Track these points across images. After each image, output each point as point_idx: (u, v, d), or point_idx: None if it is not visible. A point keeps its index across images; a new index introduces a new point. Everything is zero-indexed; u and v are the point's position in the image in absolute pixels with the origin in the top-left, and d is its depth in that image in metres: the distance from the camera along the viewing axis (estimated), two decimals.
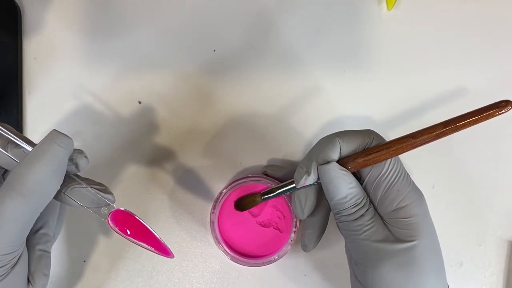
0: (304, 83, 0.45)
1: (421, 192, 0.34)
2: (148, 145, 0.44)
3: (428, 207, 0.34)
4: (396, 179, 0.33)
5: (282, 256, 0.39)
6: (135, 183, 0.44)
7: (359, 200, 0.33)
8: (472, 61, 0.45)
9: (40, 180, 0.28)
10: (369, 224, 0.33)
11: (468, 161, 0.45)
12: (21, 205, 0.28)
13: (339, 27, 0.45)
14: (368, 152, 0.33)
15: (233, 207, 0.40)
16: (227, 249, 0.39)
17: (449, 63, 0.45)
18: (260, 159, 0.44)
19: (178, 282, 0.43)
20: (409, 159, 0.41)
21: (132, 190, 0.44)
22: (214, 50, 0.45)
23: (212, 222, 0.39)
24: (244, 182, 0.40)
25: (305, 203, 0.36)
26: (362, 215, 0.33)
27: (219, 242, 0.39)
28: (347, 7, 0.46)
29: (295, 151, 0.44)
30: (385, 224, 0.33)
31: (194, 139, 0.44)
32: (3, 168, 0.32)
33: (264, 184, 0.40)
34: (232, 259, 0.39)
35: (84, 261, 0.43)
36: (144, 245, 0.32)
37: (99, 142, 0.44)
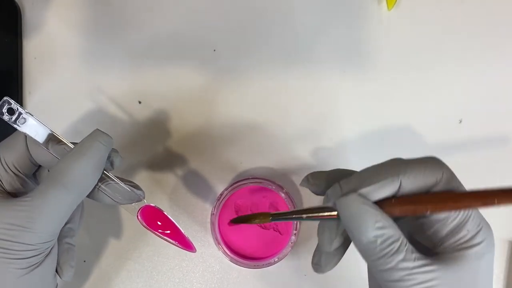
0: (304, 83, 0.45)
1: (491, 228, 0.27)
2: (148, 145, 0.44)
3: None
4: (467, 219, 0.25)
5: (282, 258, 0.39)
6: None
7: (394, 243, 0.25)
8: (471, 60, 0.45)
9: (83, 174, 0.30)
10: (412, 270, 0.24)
11: (468, 161, 0.45)
12: (63, 196, 0.29)
13: (339, 27, 0.45)
14: (431, 198, 0.25)
15: (233, 207, 0.40)
16: (227, 251, 0.39)
17: (448, 62, 0.45)
18: (260, 160, 0.44)
19: (178, 282, 0.43)
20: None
21: None
22: (214, 50, 0.45)
23: (212, 224, 0.39)
24: (245, 184, 0.40)
25: (335, 232, 0.27)
26: (400, 260, 0.24)
27: (219, 244, 0.39)
28: (347, 7, 0.45)
29: (296, 152, 0.44)
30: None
31: (194, 140, 0.44)
32: (37, 166, 0.33)
33: (265, 186, 0.40)
34: (232, 260, 0.39)
35: (84, 261, 0.43)
36: (169, 239, 0.33)
37: None
